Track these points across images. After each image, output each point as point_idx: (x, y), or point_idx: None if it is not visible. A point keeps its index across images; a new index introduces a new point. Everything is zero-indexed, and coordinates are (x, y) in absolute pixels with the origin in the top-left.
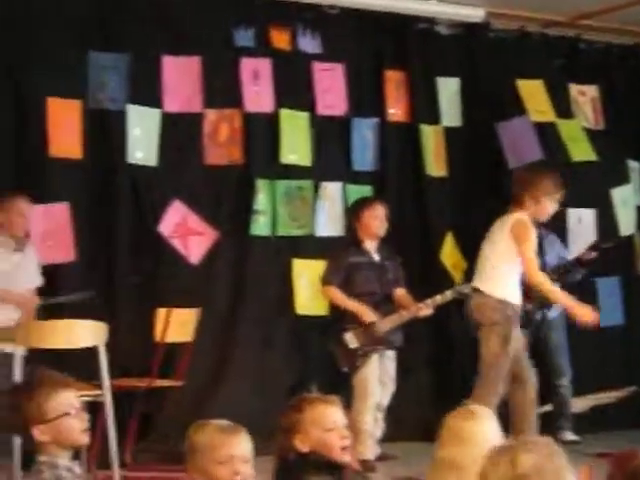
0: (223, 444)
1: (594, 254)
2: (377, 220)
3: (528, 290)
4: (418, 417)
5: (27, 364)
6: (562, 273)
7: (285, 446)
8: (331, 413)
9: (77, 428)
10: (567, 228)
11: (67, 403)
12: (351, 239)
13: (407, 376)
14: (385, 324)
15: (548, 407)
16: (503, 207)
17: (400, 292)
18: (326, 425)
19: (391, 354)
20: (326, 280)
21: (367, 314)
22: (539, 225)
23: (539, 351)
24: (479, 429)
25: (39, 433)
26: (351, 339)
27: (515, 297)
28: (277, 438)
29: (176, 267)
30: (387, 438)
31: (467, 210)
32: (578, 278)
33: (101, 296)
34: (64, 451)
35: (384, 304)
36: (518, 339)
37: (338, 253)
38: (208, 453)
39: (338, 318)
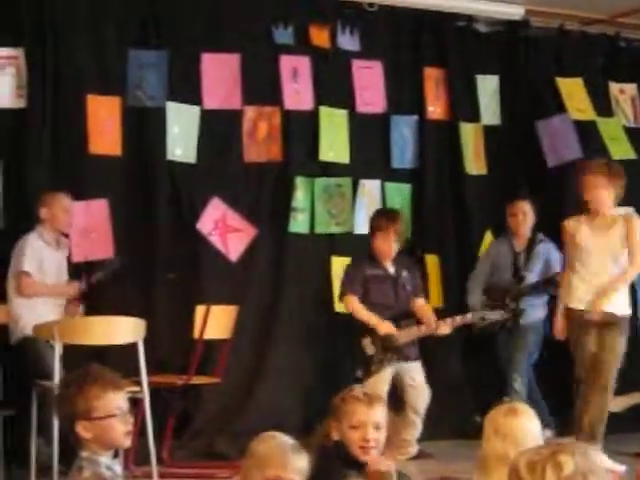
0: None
1: None
2: (386, 244)
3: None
4: (452, 415)
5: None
6: (535, 288)
7: (324, 430)
8: (362, 412)
9: (120, 430)
10: None
11: (115, 404)
12: (368, 251)
13: (441, 374)
14: (402, 336)
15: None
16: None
17: (419, 302)
18: (351, 422)
19: (414, 365)
20: (346, 290)
21: (384, 326)
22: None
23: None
24: (520, 426)
25: (82, 429)
26: (369, 346)
27: (580, 302)
28: (323, 421)
29: (215, 264)
30: (422, 437)
31: (506, 208)
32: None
33: (139, 293)
34: (105, 450)
35: (403, 317)
36: (586, 344)
37: (356, 264)
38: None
39: (359, 323)
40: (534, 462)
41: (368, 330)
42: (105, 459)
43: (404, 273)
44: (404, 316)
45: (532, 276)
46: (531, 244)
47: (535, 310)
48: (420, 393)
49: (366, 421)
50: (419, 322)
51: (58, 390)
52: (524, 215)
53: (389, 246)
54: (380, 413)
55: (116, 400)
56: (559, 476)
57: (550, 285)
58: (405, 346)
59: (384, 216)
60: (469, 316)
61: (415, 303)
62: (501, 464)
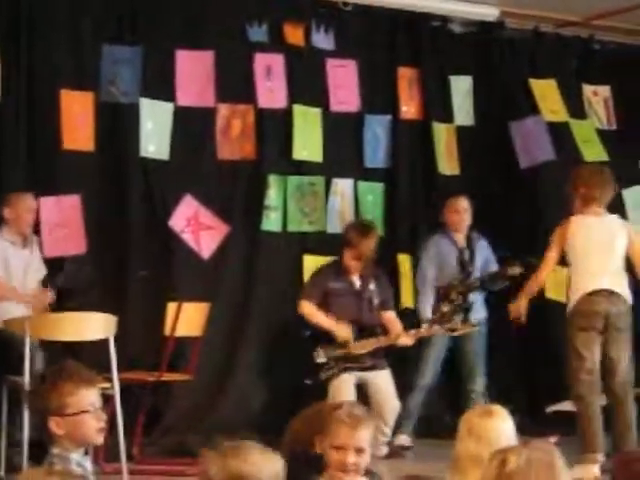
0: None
1: (519, 270)
2: (354, 261)
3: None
4: (425, 414)
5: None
6: (484, 282)
7: (305, 437)
8: (345, 435)
9: (93, 427)
10: None
11: (88, 401)
12: (335, 261)
13: (412, 374)
14: (360, 347)
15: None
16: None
17: (388, 315)
18: (334, 443)
19: (380, 374)
20: (302, 295)
21: (341, 330)
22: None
23: (457, 355)
24: (494, 427)
25: (55, 425)
26: (319, 354)
27: (574, 300)
28: (299, 425)
29: (187, 261)
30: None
31: (478, 209)
32: (498, 288)
33: (111, 289)
34: (77, 447)
35: (367, 330)
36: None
37: (320, 273)
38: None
39: (313, 332)
40: (492, 457)
41: (322, 342)
42: (76, 456)
43: (371, 286)
44: (369, 329)
45: (476, 272)
46: (470, 241)
47: (477, 310)
48: (387, 402)
49: (348, 444)
50: (386, 334)
51: (31, 386)
52: (465, 211)
53: (357, 263)
54: (364, 437)
55: (89, 396)
56: (501, 471)
57: (501, 279)
58: (368, 356)
59: (356, 231)
60: (435, 327)
61: (383, 316)
62: (474, 465)
